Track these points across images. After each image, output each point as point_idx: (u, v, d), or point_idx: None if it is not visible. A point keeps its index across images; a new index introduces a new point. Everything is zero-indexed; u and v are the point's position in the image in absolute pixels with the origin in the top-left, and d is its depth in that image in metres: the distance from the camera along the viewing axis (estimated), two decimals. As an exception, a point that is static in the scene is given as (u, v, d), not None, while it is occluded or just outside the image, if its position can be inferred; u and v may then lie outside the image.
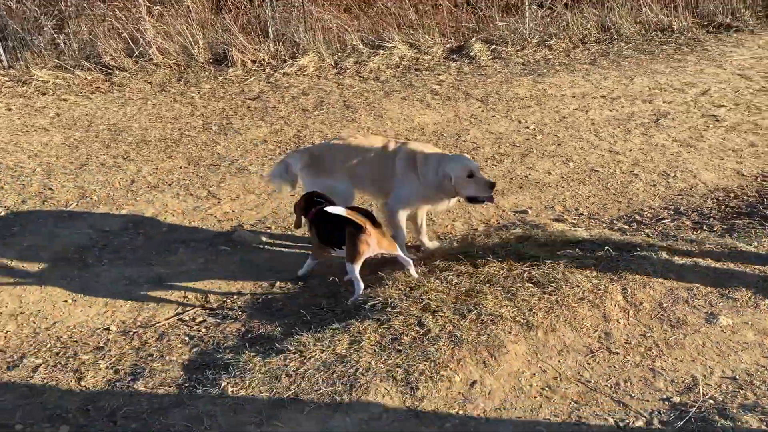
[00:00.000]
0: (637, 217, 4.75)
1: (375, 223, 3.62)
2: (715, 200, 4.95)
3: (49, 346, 3.49)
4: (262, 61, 9.29)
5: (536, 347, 3.13)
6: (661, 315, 3.35)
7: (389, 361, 3.00)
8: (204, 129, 6.74)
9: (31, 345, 3.51)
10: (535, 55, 9.05)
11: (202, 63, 9.28)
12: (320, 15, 9.71)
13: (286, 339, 3.31)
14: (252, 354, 3.17)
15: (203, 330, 3.59)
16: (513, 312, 3.28)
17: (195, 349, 3.38)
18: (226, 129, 6.71)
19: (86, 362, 3.30)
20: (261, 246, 4.51)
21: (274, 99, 7.73)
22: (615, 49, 9.13)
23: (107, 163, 5.90)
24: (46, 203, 5.16)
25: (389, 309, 3.36)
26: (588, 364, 3.06)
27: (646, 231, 4.44)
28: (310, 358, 3.07)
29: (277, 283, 4.07)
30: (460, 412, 2.79)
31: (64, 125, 7.03)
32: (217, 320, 3.68)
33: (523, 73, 8.34)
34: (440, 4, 10.02)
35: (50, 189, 5.40)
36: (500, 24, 9.51)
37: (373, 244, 3.58)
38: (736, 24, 9.53)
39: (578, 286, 3.46)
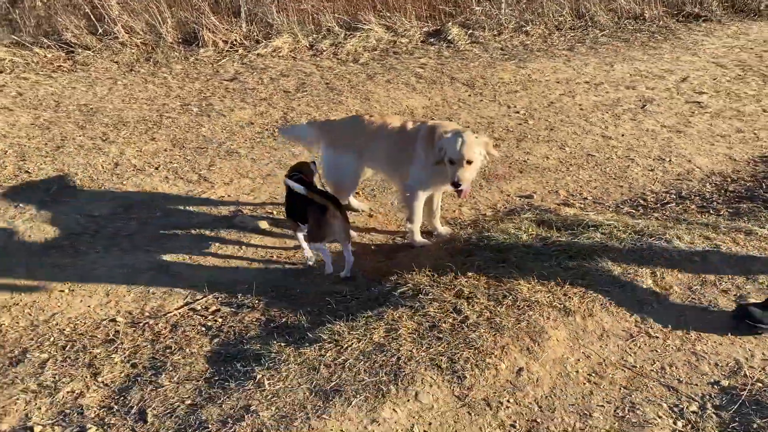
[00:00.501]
0: (642, 202, 4.75)
1: (339, 207, 3.61)
2: (713, 185, 5.00)
3: (52, 339, 3.24)
4: (234, 42, 8.97)
5: (576, 333, 3.06)
6: (692, 298, 3.32)
7: (431, 350, 2.89)
8: (184, 111, 6.44)
9: (32, 339, 3.26)
10: (512, 40, 9.02)
11: (171, 43, 8.89)
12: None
13: (315, 328, 3.15)
14: (282, 344, 3.00)
15: (219, 320, 3.40)
16: (548, 297, 3.21)
17: (215, 341, 3.19)
18: (207, 111, 6.43)
19: (98, 356, 3.08)
20: (265, 231, 4.31)
21: (252, 80, 7.46)
22: (591, 36, 9.18)
23: (86, 145, 5.56)
24: (25, 187, 4.81)
25: (422, 296, 3.25)
26: (630, 348, 3.01)
27: (655, 215, 4.44)
28: (347, 347, 2.93)
29: (291, 270, 3.90)
30: (511, 400, 2.70)
31: (28, 105, 6.61)
32: (233, 309, 3.49)
33: (504, 58, 8.29)
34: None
35: (27, 172, 5.06)
36: (477, 9, 9.43)
37: (337, 227, 3.55)
38: (705, 14, 9.72)
39: (609, 271, 3.41)
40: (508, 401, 2.69)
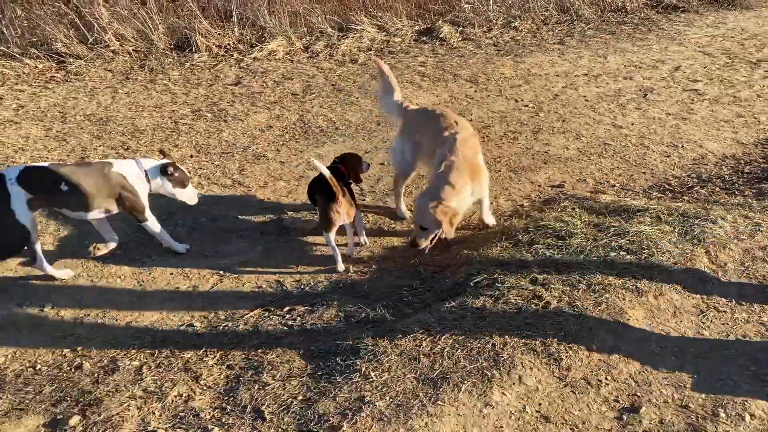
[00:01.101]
0: (667, 186, 4.96)
1: (346, 196, 3.79)
2: (729, 167, 5.25)
3: (137, 346, 3.24)
4: (228, 46, 8.94)
5: (651, 311, 3.22)
6: (747, 274, 3.52)
7: (522, 335, 3.00)
8: (197, 116, 6.42)
9: (115, 347, 3.26)
10: (503, 36, 9.21)
11: (164, 49, 8.81)
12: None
13: (399, 321, 3.24)
14: (376, 337, 3.08)
15: (298, 318, 3.46)
16: (619, 280, 3.36)
17: (302, 338, 3.24)
18: (222, 116, 6.42)
19: (191, 360, 3.10)
20: (315, 231, 4.36)
21: (256, 84, 7.47)
22: (578, 29, 9.43)
23: (110, 155, 5.51)
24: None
25: (499, 284, 3.36)
26: (703, 323, 3.18)
27: (685, 198, 4.65)
28: (439, 337, 3.02)
29: (351, 268, 3.97)
30: (608, 377, 2.83)
31: (33, 117, 6.50)
32: (308, 307, 3.55)
33: (499, 53, 8.47)
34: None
35: (58, 184, 4.98)
36: (466, 6, 9.60)
37: (343, 214, 3.76)
38: (682, 4, 10.08)
39: (668, 252, 3.59)
40: (606, 379, 2.83)
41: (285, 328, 3.37)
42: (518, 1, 9.82)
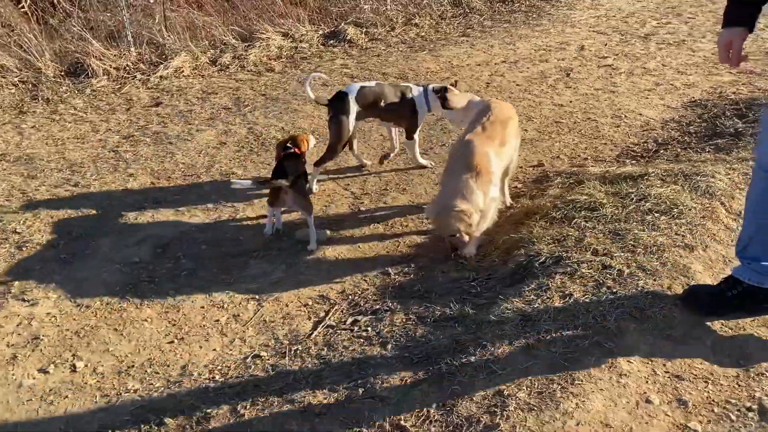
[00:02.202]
0: (633, 153, 5.29)
1: (296, 182, 4.06)
2: (676, 130, 5.69)
3: (213, 387, 2.94)
4: (128, 68, 8.32)
5: (707, 263, 3.41)
6: (761, 218, 3.83)
7: (615, 304, 3.07)
8: (135, 142, 5.92)
9: (190, 395, 2.93)
10: (408, 33, 9.35)
11: (54, 77, 8.04)
12: (180, 13, 8.96)
13: (484, 311, 3.19)
14: (476, 332, 3.01)
15: (368, 329, 3.31)
16: (667, 239, 3.53)
17: (390, 346, 3.10)
18: (163, 138, 5.97)
19: (285, 390, 2.86)
20: (332, 239, 4.19)
21: (179, 103, 7.02)
22: (474, 21, 9.79)
23: (59, 194, 4.94)
24: (29, 248, 4.19)
25: (564, 261, 3.41)
26: (752, 266, 3.41)
27: (658, 161, 4.98)
28: (540, 320, 3.01)
29: (390, 270, 3.86)
30: (709, 329, 2.96)
31: (-66, 165, 5.67)
32: (370, 316, 3.40)
33: (413, 50, 8.58)
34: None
35: (15, 232, 4.39)
36: (365, 7, 9.63)
37: (283, 198, 4.08)
38: (559, -10, 10.78)
39: (693, 207, 3.82)
40: (709, 330, 2.96)
41: (362, 339, 3.19)
42: (414, -1, 10.00)
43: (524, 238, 3.71)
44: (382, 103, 4.73)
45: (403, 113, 4.82)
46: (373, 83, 4.82)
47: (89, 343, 3.32)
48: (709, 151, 5.03)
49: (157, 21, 8.94)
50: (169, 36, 8.71)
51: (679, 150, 5.21)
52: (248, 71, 8.14)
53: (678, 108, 6.21)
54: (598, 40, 8.55)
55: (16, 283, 3.83)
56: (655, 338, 2.89)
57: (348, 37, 9.18)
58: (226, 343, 3.29)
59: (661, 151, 5.21)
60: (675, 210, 3.76)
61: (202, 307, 3.58)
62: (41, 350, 3.27)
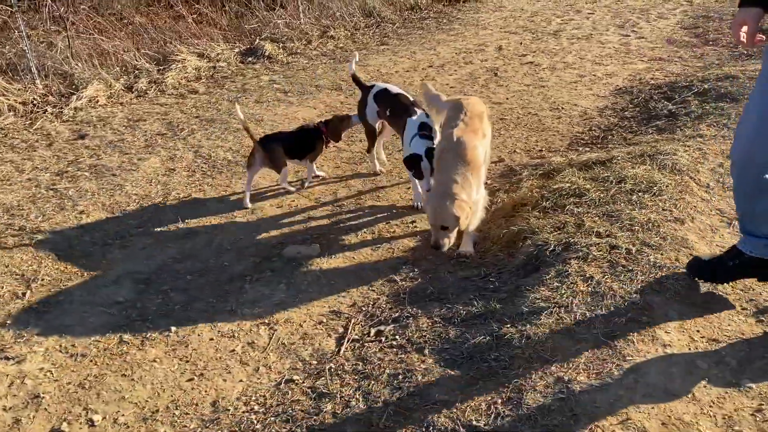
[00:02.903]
0: (583, 141, 5.55)
1: (264, 146, 4.74)
2: (613, 116, 6.03)
3: (256, 419, 2.79)
4: (35, 102, 7.76)
5: (699, 233, 3.63)
6: (726, 186, 4.13)
7: (636, 279, 3.19)
8: (72, 178, 5.52)
9: (236, 430, 2.76)
10: (326, 45, 9.33)
11: (-48, 117, 7.36)
12: (84, 40, 8.47)
13: (510, 305, 3.23)
14: (514, 325, 3.03)
15: (396, 337, 3.26)
16: (657, 215, 3.72)
17: (427, 351, 3.07)
18: (103, 171, 5.60)
19: (337, 410, 2.76)
20: (323, 256, 4.09)
21: (107, 133, 6.62)
22: (388, 30, 9.92)
23: (8, 242, 4.51)
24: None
25: (573, 246, 3.51)
26: (734, 235, 3.66)
27: (611, 146, 5.24)
28: (572, 305, 3.08)
29: (394, 276, 3.82)
30: (729, 289, 3.15)
31: None
32: (394, 325, 3.35)
33: (336, 61, 8.57)
34: (204, 13, 9.58)
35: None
36: (279, 22, 9.52)
37: (256, 158, 4.72)
38: (462, -5, 11.16)
39: (669, 184, 4.05)
40: (728, 292, 3.13)
41: (394, 349, 3.13)
42: (325, 12, 9.99)
43: (524, 230, 3.78)
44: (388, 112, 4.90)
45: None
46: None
47: (99, 394, 3.04)
48: (652, 133, 5.35)
49: (60, 50, 8.39)
50: (77, 65, 8.20)
51: (624, 134, 5.50)
52: (169, 95, 7.80)
53: (607, 96, 6.57)
54: (512, 39, 8.89)
55: (-12, 340, 3.45)
56: (681, 307, 3.03)
57: (266, 53, 9.03)
58: (250, 372, 3.12)
59: (609, 137, 5.48)
60: (655, 188, 3.97)
61: (211, 339, 3.38)
62: (46, 409, 2.96)
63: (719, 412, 2.46)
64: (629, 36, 8.68)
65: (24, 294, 3.87)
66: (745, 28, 2.67)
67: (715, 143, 4.71)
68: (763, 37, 2.68)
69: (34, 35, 8.33)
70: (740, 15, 2.70)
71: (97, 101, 7.80)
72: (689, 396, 2.55)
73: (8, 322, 3.62)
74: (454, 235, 3.80)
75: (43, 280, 4.01)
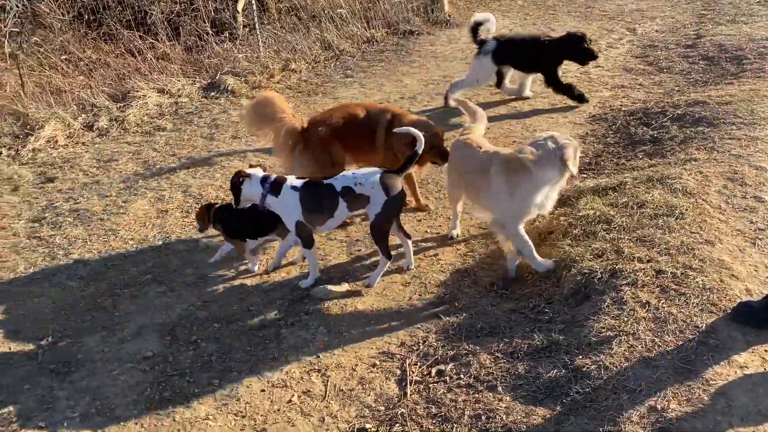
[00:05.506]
0: (585, 168, 5.65)
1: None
2: (597, 143, 6.19)
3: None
4: (-13, 144, 7.28)
5: (730, 253, 3.74)
6: (737, 204, 4.29)
7: (690, 302, 3.25)
8: (56, 225, 5.16)
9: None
10: (290, 78, 9.22)
11: None
12: (37, 78, 8.05)
13: (571, 334, 3.22)
14: (587, 356, 3.02)
15: (460, 376, 3.20)
16: (688, 238, 3.81)
17: (500, 388, 3.00)
18: (88, 216, 5.27)
19: None
20: (353, 291, 3.97)
21: (79, 175, 6.27)
22: (349, 62, 9.91)
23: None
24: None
25: (621, 273, 3.54)
26: (761, 254, 3.79)
27: (615, 174, 5.36)
28: (637, 331, 3.10)
29: (440, 314, 3.74)
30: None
31: None
32: (454, 363, 3.27)
33: (304, 94, 8.49)
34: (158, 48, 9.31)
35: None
36: (240, 56, 9.36)
37: None
38: (415, 29, 11.28)
39: (688, 206, 4.17)
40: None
41: (463, 388, 3.05)
42: (285, 45, 9.91)
43: (564, 259, 3.79)
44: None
45: None
46: None
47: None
48: (642, 158, 5.52)
49: (8, 90, 7.92)
50: (30, 104, 7.75)
51: (614, 160, 5.65)
52: (134, 133, 7.50)
53: (584, 123, 6.76)
54: (477, 69, 9.03)
55: (10, 408, 3.12)
56: (741, 327, 3.09)
57: (229, 87, 8.82)
58: (316, 423, 2.96)
59: (601, 163, 5.62)
60: (676, 211, 4.08)
61: (263, 391, 3.19)
62: (101, 481, 2.69)
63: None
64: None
65: (37, 355, 3.54)
66: None
67: (711, 166, 4.90)
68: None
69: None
70: None
71: (56, 141, 7.41)
72: (782, 416, 2.58)
73: (26, 386, 3.29)
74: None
75: (53, 337, 3.69)
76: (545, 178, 3.61)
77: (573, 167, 3.61)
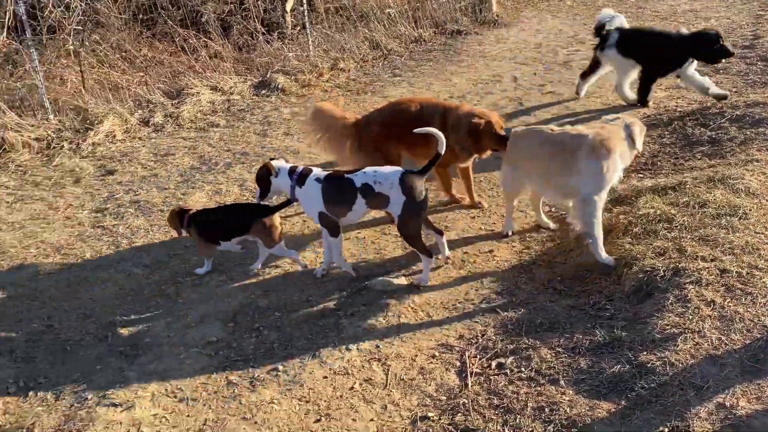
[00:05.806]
0: (633, 167, 5.59)
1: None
2: (653, 143, 6.11)
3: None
4: (49, 138, 7.53)
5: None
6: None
7: (757, 302, 3.20)
8: (118, 215, 5.33)
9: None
10: (339, 77, 9.32)
11: (-40, 155, 7.10)
12: (95, 74, 8.31)
13: (634, 331, 3.20)
14: (653, 352, 3.00)
15: (521, 369, 3.21)
16: (753, 238, 3.75)
17: (563, 382, 3.00)
18: (150, 207, 5.43)
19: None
20: (411, 288, 4.01)
21: (138, 168, 6.45)
22: (397, 62, 9.97)
23: (69, 281, 4.30)
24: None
25: (685, 272, 3.50)
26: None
27: (662, 172, 5.30)
28: (703, 330, 3.06)
29: (495, 306, 3.75)
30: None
31: None
32: (514, 357, 3.29)
33: (353, 93, 8.57)
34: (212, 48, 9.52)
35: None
36: (290, 54, 9.49)
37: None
38: (463, 29, 11.29)
39: (752, 206, 4.10)
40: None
41: (524, 381, 3.06)
42: (334, 45, 10.01)
43: (625, 256, 3.76)
44: None
45: None
46: None
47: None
48: (701, 158, 5.44)
49: (69, 86, 8.19)
50: (90, 99, 8.00)
51: (671, 160, 5.58)
52: (189, 128, 7.67)
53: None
54: (525, 70, 9.02)
55: (84, 386, 3.25)
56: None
57: (280, 86, 8.96)
58: (378, 410, 3.01)
59: (657, 163, 5.56)
60: (739, 211, 4.02)
61: (325, 377, 3.25)
62: (173, 458, 2.78)
63: None
64: (639, 65, 8.88)
65: (106, 337, 3.67)
66: None
67: (773, 167, 4.80)
68: None
69: (43, 70, 8.09)
70: None
71: (114, 136, 7.62)
72: None
73: (98, 367, 3.42)
74: None
75: (119, 321, 3.82)
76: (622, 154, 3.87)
77: (639, 144, 3.94)
